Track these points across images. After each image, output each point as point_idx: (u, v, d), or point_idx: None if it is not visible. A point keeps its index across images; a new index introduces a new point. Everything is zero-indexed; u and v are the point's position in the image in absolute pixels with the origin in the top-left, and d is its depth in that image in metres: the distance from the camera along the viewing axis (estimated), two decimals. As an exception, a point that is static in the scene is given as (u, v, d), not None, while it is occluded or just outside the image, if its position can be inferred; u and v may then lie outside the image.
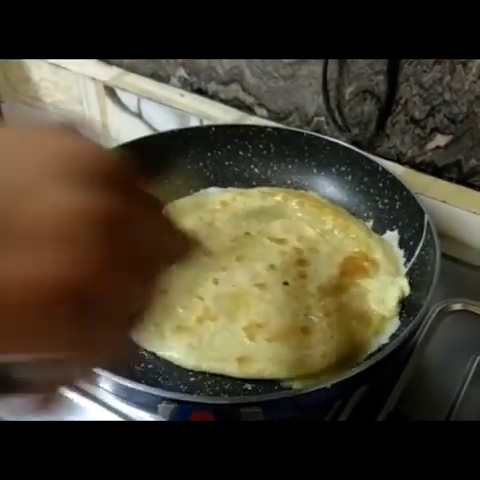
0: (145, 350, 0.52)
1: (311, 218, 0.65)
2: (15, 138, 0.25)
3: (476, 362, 0.58)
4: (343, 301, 0.57)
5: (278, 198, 0.67)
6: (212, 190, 0.69)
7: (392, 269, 0.60)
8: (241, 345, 0.52)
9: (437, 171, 0.73)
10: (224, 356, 0.51)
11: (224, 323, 0.53)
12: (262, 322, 0.54)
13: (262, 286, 0.57)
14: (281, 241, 0.62)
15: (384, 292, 0.57)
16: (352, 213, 0.67)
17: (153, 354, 0.52)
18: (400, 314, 0.56)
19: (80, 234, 0.23)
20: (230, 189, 0.70)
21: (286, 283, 0.58)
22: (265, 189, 0.69)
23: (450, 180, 0.72)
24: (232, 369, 0.51)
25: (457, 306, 0.63)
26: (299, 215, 0.66)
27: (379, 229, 0.65)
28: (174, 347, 0.52)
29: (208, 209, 0.65)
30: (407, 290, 0.57)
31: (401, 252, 0.61)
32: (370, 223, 0.66)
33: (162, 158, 0.68)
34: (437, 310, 0.62)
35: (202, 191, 0.69)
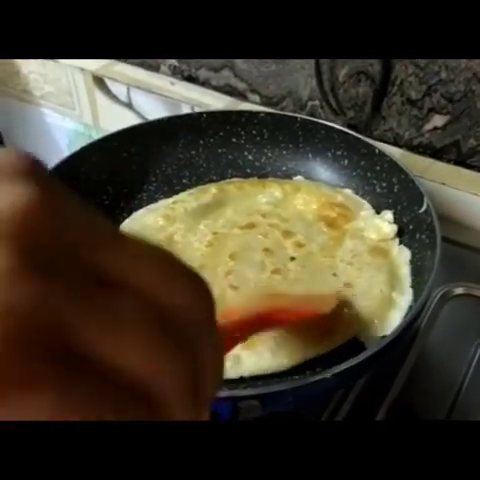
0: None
1: (259, 194, 0.64)
2: None
3: (480, 347, 0.57)
4: (350, 247, 0.58)
5: (214, 190, 0.64)
6: (139, 213, 0.64)
7: (362, 205, 0.63)
8: (314, 324, 0.50)
9: (435, 153, 0.71)
10: (310, 338, 0.50)
11: None
12: None
13: (276, 271, 0.56)
14: (251, 225, 0.61)
15: (374, 223, 0.60)
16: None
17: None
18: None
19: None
20: (152, 207, 0.64)
21: (293, 258, 0.57)
22: (193, 190, 0.66)
23: (449, 161, 0.71)
24: (325, 346, 0.50)
25: (459, 290, 0.62)
26: (244, 197, 0.64)
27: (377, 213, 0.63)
28: (258, 362, 0.48)
29: (155, 228, 0.60)
30: (390, 215, 0.61)
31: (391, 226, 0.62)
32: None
33: (152, 147, 0.67)
34: (439, 295, 0.61)
35: (127, 221, 0.63)
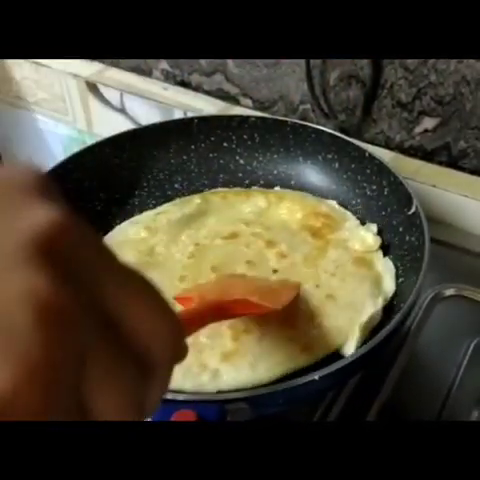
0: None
1: (242, 204, 0.64)
2: None
3: (471, 348, 0.57)
4: (334, 258, 0.57)
5: (198, 200, 0.64)
6: (122, 226, 0.63)
7: (346, 216, 0.63)
8: (294, 337, 0.49)
9: (426, 155, 0.72)
10: (290, 352, 0.48)
11: (259, 330, 0.49)
12: None
13: None
14: (234, 235, 0.59)
15: (358, 234, 0.60)
16: (340, 201, 0.65)
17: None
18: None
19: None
20: (135, 219, 0.64)
21: (275, 271, 0.56)
22: (177, 201, 0.66)
23: (440, 164, 0.71)
24: (305, 360, 0.48)
25: (450, 291, 0.62)
26: (227, 206, 0.63)
27: (367, 216, 0.63)
28: (237, 376, 0.47)
29: (137, 240, 0.60)
30: (374, 227, 0.61)
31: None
32: (358, 213, 0.64)
33: (144, 153, 0.67)
34: (430, 296, 0.61)
35: (110, 233, 0.62)
